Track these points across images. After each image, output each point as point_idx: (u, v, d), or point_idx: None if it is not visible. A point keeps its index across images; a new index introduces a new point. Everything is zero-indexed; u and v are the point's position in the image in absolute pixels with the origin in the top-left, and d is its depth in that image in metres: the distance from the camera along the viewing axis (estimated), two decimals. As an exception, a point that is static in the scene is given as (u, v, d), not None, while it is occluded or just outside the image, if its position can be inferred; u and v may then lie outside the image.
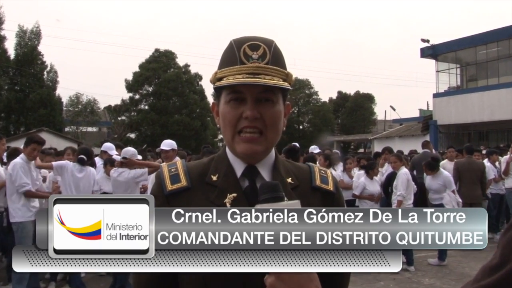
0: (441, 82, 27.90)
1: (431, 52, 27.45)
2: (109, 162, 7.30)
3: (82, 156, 6.62)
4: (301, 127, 53.52)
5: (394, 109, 43.49)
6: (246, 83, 1.25)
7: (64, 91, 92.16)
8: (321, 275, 1.28)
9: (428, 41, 27.78)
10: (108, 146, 8.96)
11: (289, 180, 1.39)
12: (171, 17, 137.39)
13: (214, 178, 1.36)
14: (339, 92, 59.63)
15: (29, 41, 35.65)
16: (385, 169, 9.42)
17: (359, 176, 8.52)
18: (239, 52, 1.29)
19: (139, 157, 7.36)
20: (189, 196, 1.31)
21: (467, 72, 27.65)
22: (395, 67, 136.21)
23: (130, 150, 6.88)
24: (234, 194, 1.30)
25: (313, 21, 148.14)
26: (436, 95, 27.34)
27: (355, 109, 54.04)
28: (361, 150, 45.55)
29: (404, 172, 7.75)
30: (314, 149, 11.03)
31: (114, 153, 8.57)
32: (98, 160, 8.53)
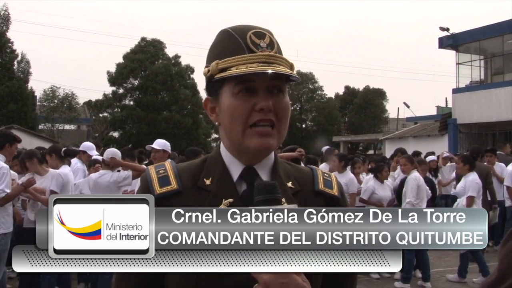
0: (462, 75, 27.88)
1: (451, 42, 27.41)
2: (93, 164, 7.39)
3: (65, 148, 6.63)
4: (303, 126, 53.69)
5: (408, 106, 43.75)
6: (264, 71, 1.29)
7: (38, 84, 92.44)
8: (325, 276, 1.39)
9: (447, 29, 27.81)
10: (87, 146, 9.09)
11: (289, 184, 1.44)
12: (159, 1, 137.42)
13: (208, 182, 1.40)
14: (347, 87, 59.87)
15: (-4, 26, 35.53)
16: (397, 173, 9.55)
17: (367, 180, 8.65)
18: (245, 40, 1.34)
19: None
20: (180, 200, 1.34)
21: (493, 65, 27.61)
22: (410, 59, 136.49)
23: (112, 151, 6.94)
24: (230, 200, 1.34)
25: (317, 6, 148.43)
26: (456, 91, 27.37)
27: (364, 106, 54.21)
28: (371, 152, 45.73)
29: (413, 176, 7.85)
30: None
31: (94, 153, 8.71)
32: (76, 161, 8.66)
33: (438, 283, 8.12)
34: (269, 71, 1.29)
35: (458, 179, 9.21)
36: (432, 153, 13.44)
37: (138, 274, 1.26)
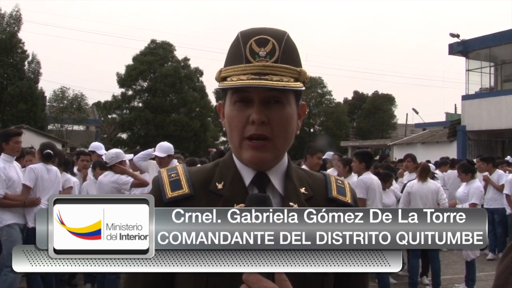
0: (471, 82, 27.79)
1: (461, 48, 27.36)
2: (98, 165, 7.41)
3: (49, 151, 6.39)
4: (312, 130, 53.64)
5: (417, 112, 43.64)
6: (250, 85, 1.28)
7: (48, 85, 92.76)
8: (336, 279, 1.38)
9: (458, 35, 27.76)
10: (96, 146, 9.22)
11: (302, 190, 1.43)
12: (169, 4, 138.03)
13: (220, 186, 1.40)
14: (355, 92, 59.84)
15: (8, 27, 35.60)
16: (406, 179, 9.49)
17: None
18: (245, 49, 1.33)
19: (129, 156, 7.44)
20: (192, 205, 1.33)
21: (503, 72, 27.50)
22: (419, 65, 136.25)
23: (110, 154, 6.72)
24: (242, 205, 1.29)
25: (328, 12, 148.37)
26: (465, 97, 27.27)
27: (373, 111, 54.13)
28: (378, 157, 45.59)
29: (408, 184, 7.91)
30: (329, 155, 11.06)
31: (103, 152, 8.78)
32: (86, 162, 8.73)
33: (446, 291, 8.05)
34: (253, 85, 1.28)
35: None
36: (446, 159, 13.23)
37: (145, 274, 1.25)
